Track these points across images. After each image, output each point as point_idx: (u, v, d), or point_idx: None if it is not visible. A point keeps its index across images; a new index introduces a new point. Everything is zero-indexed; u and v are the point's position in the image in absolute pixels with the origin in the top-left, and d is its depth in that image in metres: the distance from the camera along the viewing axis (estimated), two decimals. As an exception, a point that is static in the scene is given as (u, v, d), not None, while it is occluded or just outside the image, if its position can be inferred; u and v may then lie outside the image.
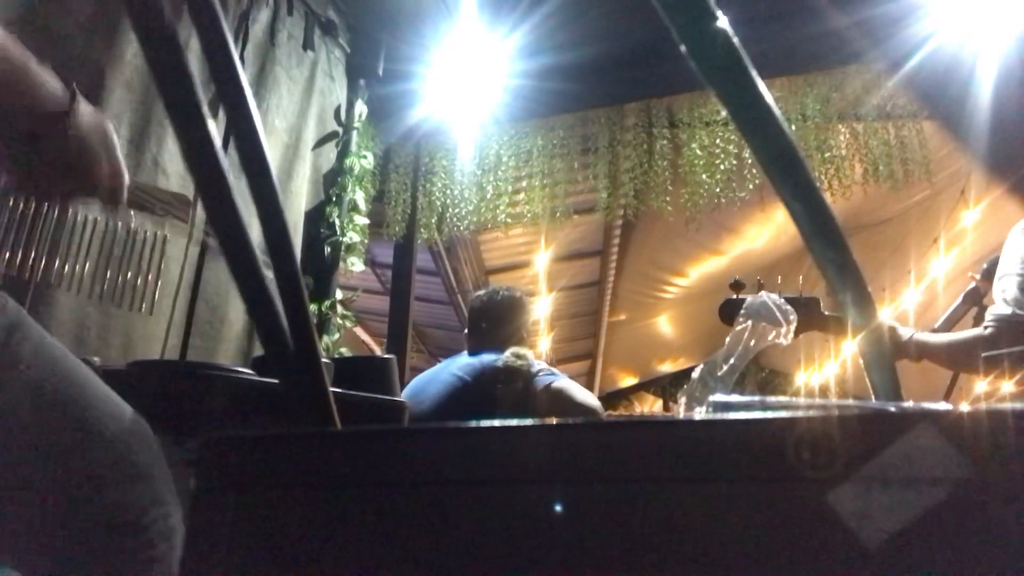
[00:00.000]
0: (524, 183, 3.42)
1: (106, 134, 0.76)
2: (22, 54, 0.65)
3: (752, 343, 0.89)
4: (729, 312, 1.56)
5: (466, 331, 2.32)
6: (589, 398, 2.02)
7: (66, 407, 0.68)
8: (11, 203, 0.94)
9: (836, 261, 0.49)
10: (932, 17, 2.30)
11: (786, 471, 0.34)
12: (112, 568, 0.68)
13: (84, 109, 0.72)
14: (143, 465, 0.72)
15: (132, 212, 1.13)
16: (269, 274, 0.56)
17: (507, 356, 2.10)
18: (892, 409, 0.36)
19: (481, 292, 2.43)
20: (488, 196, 3.36)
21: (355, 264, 2.85)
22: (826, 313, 1.54)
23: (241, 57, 2.33)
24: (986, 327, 1.43)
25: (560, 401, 1.95)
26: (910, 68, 2.32)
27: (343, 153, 2.93)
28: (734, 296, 1.54)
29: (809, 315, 1.53)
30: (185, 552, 0.46)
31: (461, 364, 2.18)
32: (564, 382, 2.02)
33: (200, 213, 1.29)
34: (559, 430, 0.40)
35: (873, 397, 0.55)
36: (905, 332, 1.53)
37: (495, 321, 2.24)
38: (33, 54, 0.66)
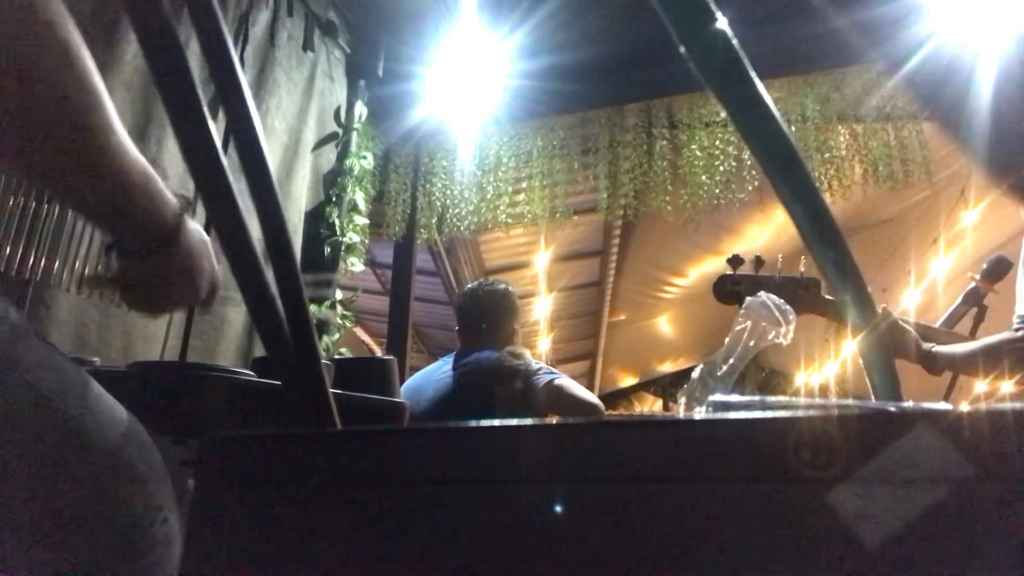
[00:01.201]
0: (524, 183, 3.42)
1: (208, 244, 0.79)
2: (146, 168, 0.66)
3: (752, 343, 0.89)
4: (723, 289, 1.54)
5: (457, 329, 2.32)
6: (590, 396, 2.02)
7: (64, 412, 0.67)
8: (11, 202, 0.94)
9: (836, 261, 0.49)
10: (932, 17, 2.30)
11: (786, 471, 0.34)
12: (110, 572, 0.68)
13: (191, 225, 0.74)
14: (141, 470, 0.72)
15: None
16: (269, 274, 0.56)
17: (504, 355, 2.10)
18: (892, 409, 0.36)
19: (466, 288, 2.42)
20: (488, 196, 3.36)
21: (355, 264, 2.85)
22: (827, 297, 1.52)
23: (241, 58, 2.34)
24: (1017, 328, 1.43)
25: (561, 399, 1.95)
26: (910, 69, 2.32)
27: (343, 154, 2.93)
28: (731, 272, 1.53)
29: (808, 297, 1.51)
30: (185, 551, 0.46)
31: (457, 363, 2.18)
32: (564, 380, 2.02)
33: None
34: (559, 430, 0.40)
35: (873, 397, 0.55)
36: (927, 344, 1.51)
37: (485, 317, 2.24)
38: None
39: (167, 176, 1.94)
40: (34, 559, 0.66)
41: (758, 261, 1.50)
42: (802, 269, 1.53)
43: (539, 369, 2.05)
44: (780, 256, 1.52)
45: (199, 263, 0.76)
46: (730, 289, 1.52)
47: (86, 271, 1.12)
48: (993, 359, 1.41)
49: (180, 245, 0.72)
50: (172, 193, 0.71)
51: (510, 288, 2.33)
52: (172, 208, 0.71)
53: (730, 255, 1.55)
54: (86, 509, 0.68)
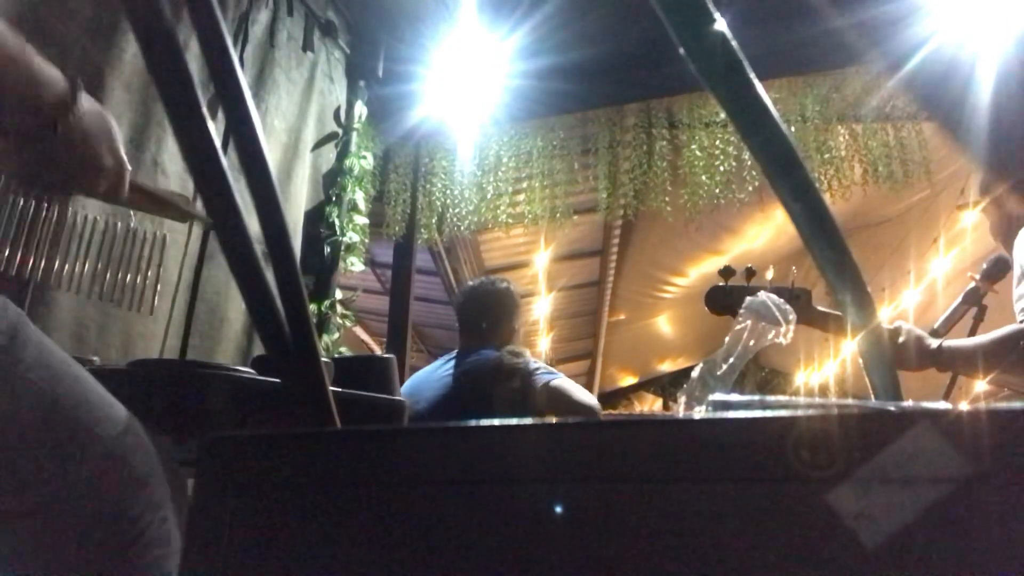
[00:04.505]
0: (524, 183, 3.42)
1: (108, 126, 0.75)
2: (22, 44, 0.63)
3: (751, 342, 0.89)
4: (715, 300, 1.55)
5: (457, 327, 2.32)
6: (588, 397, 2.02)
7: (65, 411, 0.67)
8: (11, 201, 0.94)
9: (836, 261, 0.49)
10: (932, 18, 2.30)
11: (786, 471, 0.34)
12: (109, 572, 0.68)
13: (85, 101, 0.70)
14: (140, 470, 0.72)
15: (132, 212, 1.13)
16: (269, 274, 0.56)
17: (504, 354, 2.10)
18: (892, 409, 0.36)
19: (467, 286, 2.42)
20: (488, 196, 3.36)
21: (355, 264, 2.85)
22: (819, 308, 1.52)
23: (241, 58, 2.34)
24: (1022, 321, 1.43)
25: (559, 400, 1.95)
26: (910, 69, 2.32)
27: (343, 153, 2.93)
28: (723, 283, 1.53)
29: (799, 307, 1.51)
30: (185, 551, 0.46)
31: (457, 363, 2.18)
32: (563, 381, 2.02)
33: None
34: (558, 430, 0.40)
35: (873, 397, 0.55)
36: (933, 341, 1.51)
37: (486, 316, 2.24)
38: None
39: (167, 175, 1.94)
40: (33, 558, 0.66)
41: (749, 272, 1.50)
42: (792, 280, 1.53)
43: (537, 369, 2.05)
44: (771, 267, 1.52)
45: (94, 144, 0.72)
46: (722, 300, 1.52)
47: (87, 268, 1.12)
48: (1004, 351, 1.40)
49: (70, 127, 0.68)
50: (59, 74, 0.67)
51: (511, 286, 2.33)
52: (57, 84, 0.67)
53: (727, 260, 1.56)
54: (85, 508, 0.68)
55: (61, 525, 0.67)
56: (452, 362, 2.20)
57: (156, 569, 0.70)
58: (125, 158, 0.77)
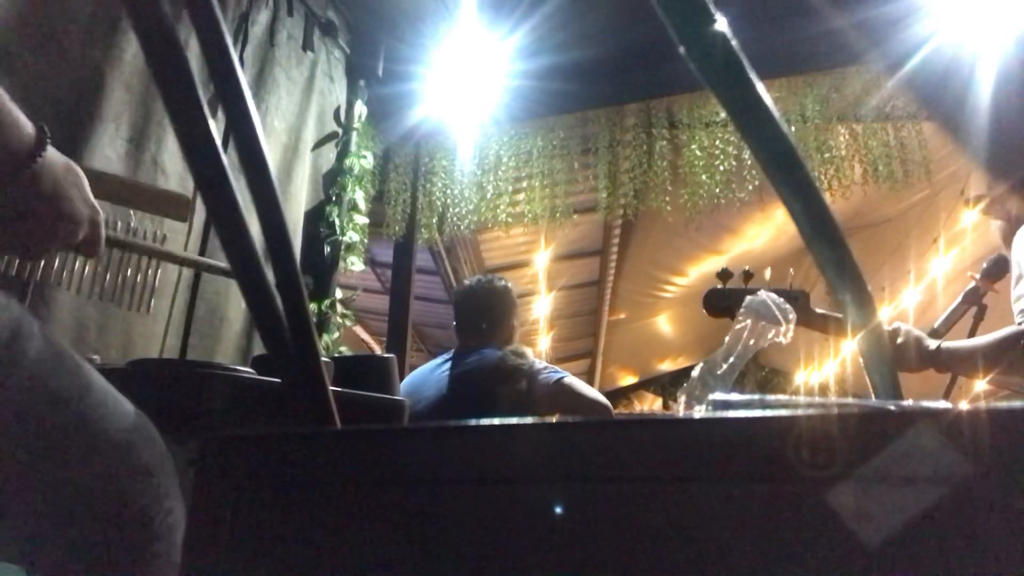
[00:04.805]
0: (524, 183, 3.42)
1: (77, 174, 0.70)
2: None
3: (752, 342, 0.89)
4: (713, 302, 1.55)
5: (455, 325, 2.31)
6: (599, 395, 2.02)
7: (70, 405, 0.68)
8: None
9: (836, 261, 0.49)
10: (932, 18, 2.30)
11: (786, 470, 0.34)
12: (115, 564, 0.69)
13: (52, 152, 0.66)
14: (147, 462, 0.72)
15: (132, 212, 1.13)
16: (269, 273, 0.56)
17: (507, 354, 2.09)
18: (892, 408, 0.36)
19: (463, 285, 2.41)
20: (488, 196, 3.36)
21: (355, 264, 2.85)
22: (817, 311, 1.52)
23: (241, 58, 2.34)
24: (1021, 323, 1.43)
25: (571, 397, 1.94)
26: (910, 69, 2.32)
27: (343, 153, 2.93)
28: (720, 286, 1.54)
29: (797, 309, 1.52)
30: (185, 551, 0.46)
31: (458, 362, 2.17)
32: (573, 379, 2.01)
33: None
34: (559, 429, 0.40)
35: (873, 396, 0.55)
36: (931, 342, 1.51)
37: (486, 315, 2.23)
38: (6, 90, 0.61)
39: (167, 176, 1.94)
40: (42, 551, 0.67)
41: (747, 275, 1.50)
42: (790, 282, 1.53)
43: (544, 368, 2.04)
44: (769, 269, 1.52)
45: (65, 197, 0.68)
46: (720, 303, 1.53)
47: (87, 268, 1.12)
48: (1003, 352, 1.40)
49: (37, 178, 0.64)
50: (26, 120, 0.64)
51: (509, 284, 2.33)
52: (23, 134, 0.63)
53: (727, 260, 1.57)
54: (94, 501, 0.68)
55: (69, 519, 0.67)
56: (451, 362, 2.19)
57: (162, 560, 0.70)
58: (98, 208, 0.73)
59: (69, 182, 0.68)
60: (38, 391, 0.65)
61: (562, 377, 1.99)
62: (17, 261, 0.98)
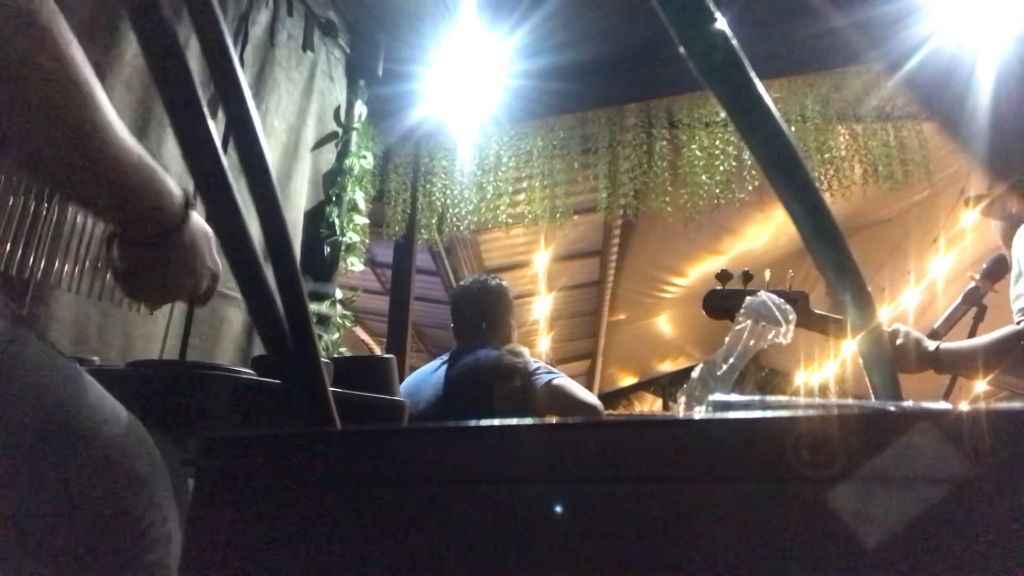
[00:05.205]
0: (524, 183, 3.42)
1: (210, 237, 0.78)
2: (152, 161, 0.67)
3: (752, 342, 0.89)
4: (713, 304, 1.55)
5: (452, 326, 2.31)
6: (590, 396, 2.02)
7: (64, 412, 0.67)
8: (11, 202, 0.94)
9: (836, 261, 0.49)
10: (932, 17, 2.30)
11: (786, 471, 0.34)
12: (108, 573, 0.68)
13: (194, 217, 0.74)
14: (140, 470, 0.72)
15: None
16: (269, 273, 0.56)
17: (504, 354, 2.09)
18: (892, 409, 0.36)
19: (460, 285, 2.42)
20: (488, 196, 3.36)
21: (355, 264, 2.85)
22: (816, 312, 1.52)
23: (241, 58, 2.34)
24: (1019, 322, 1.43)
25: (560, 399, 1.95)
26: (910, 69, 2.32)
27: (343, 153, 2.93)
28: (720, 287, 1.54)
29: (797, 311, 1.52)
30: (184, 551, 0.46)
31: (456, 362, 2.17)
32: (564, 380, 2.02)
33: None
34: (559, 430, 0.40)
35: (873, 397, 0.55)
36: (930, 344, 1.51)
37: (484, 315, 2.23)
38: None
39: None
40: (35, 559, 0.66)
41: (746, 276, 1.50)
42: (790, 283, 1.54)
43: (538, 368, 2.04)
44: (768, 270, 1.52)
45: (200, 255, 0.76)
46: (719, 304, 1.53)
47: (87, 268, 1.12)
48: (1003, 351, 1.40)
49: (183, 237, 0.72)
50: (176, 185, 0.72)
51: (506, 284, 2.33)
52: (175, 200, 0.71)
53: (727, 260, 1.57)
54: (87, 509, 0.68)
55: (62, 526, 0.67)
56: (449, 362, 2.19)
57: (158, 569, 0.70)
58: (219, 266, 0.80)
59: (203, 244, 0.76)
60: (32, 396, 0.65)
61: (553, 378, 1.99)
62: (17, 260, 0.98)
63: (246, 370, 0.96)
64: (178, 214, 0.71)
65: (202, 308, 1.03)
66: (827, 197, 2.57)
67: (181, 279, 0.75)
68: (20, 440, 0.65)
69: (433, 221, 3.42)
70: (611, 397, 9.35)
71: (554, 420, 0.40)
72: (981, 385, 1.61)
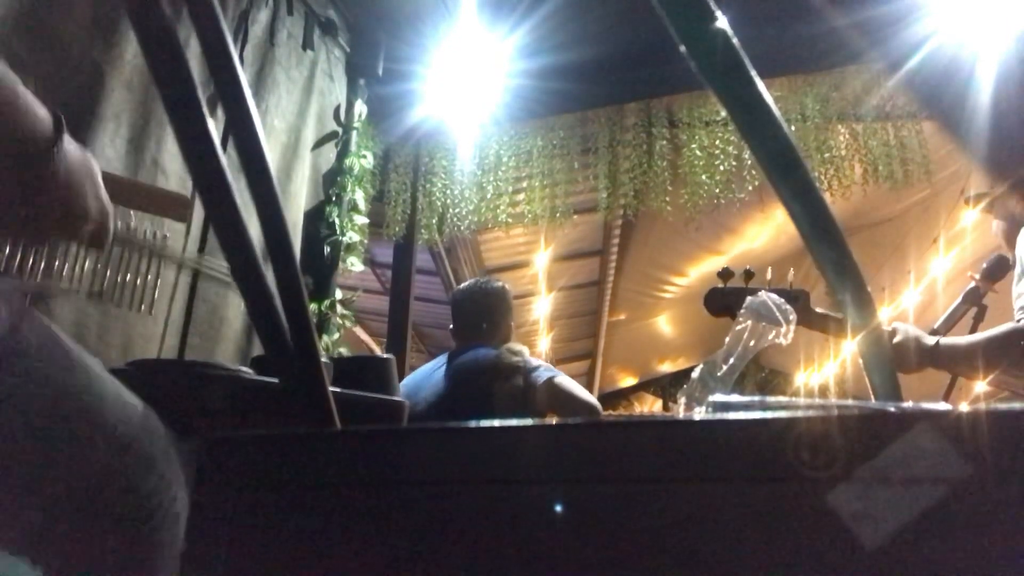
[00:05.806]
0: (524, 183, 3.42)
1: (91, 168, 0.70)
2: (11, 78, 0.60)
3: (752, 343, 0.89)
4: (714, 301, 1.55)
5: (451, 326, 2.32)
6: (588, 396, 2.03)
7: (74, 397, 0.68)
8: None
9: (836, 261, 0.49)
10: (932, 17, 2.30)
11: (786, 471, 0.34)
12: (118, 555, 0.69)
13: (68, 140, 0.66)
14: (151, 454, 0.72)
15: (132, 212, 1.13)
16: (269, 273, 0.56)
17: (503, 352, 2.10)
18: (892, 409, 0.36)
19: (462, 286, 2.42)
20: (488, 196, 3.36)
21: (355, 264, 2.85)
22: (816, 310, 1.52)
23: (240, 57, 2.33)
24: (1019, 319, 1.43)
25: (560, 397, 1.95)
26: (910, 69, 2.32)
27: (343, 153, 2.93)
28: (721, 285, 1.54)
29: (798, 309, 1.52)
30: (186, 550, 0.46)
31: (454, 361, 2.18)
32: (563, 379, 2.02)
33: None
34: (559, 430, 0.40)
35: (873, 397, 0.55)
36: (930, 340, 1.50)
37: (485, 316, 2.24)
38: (18, 75, 0.61)
39: (167, 175, 1.94)
40: (43, 542, 0.67)
41: (748, 274, 1.50)
42: (791, 282, 1.53)
43: (538, 367, 2.05)
44: (769, 268, 1.52)
45: (78, 187, 0.67)
46: (721, 302, 1.53)
47: (87, 268, 1.12)
48: (1002, 349, 1.39)
49: (55, 167, 0.64)
50: (44, 108, 0.64)
51: (506, 285, 2.34)
52: (41, 124, 0.63)
53: (727, 260, 1.57)
54: (97, 488, 0.68)
55: (74, 510, 0.67)
56: (448, 361, 2.20)
57: (167, 547, 0.70)
58: (109, 203, 0.72)
59: (83, 174, 0.68)
60: (40, 382, 0.65)
61: (552, 377, 2.00)
62: (18, 259, 0.98)
63: (246, 370, 0.96)
64: (46, 142, 0.62)
65: (99, 251, 0.94)
66: (827, 197, 2.57)
67: (62, 216, 0.67)
68: (29, 422, 0.65)
69: (433, 221, 3.42)
70: (611, 397, 9.35)
71: (554, 421, 0.40)
72: (981, 386, 1.60)
